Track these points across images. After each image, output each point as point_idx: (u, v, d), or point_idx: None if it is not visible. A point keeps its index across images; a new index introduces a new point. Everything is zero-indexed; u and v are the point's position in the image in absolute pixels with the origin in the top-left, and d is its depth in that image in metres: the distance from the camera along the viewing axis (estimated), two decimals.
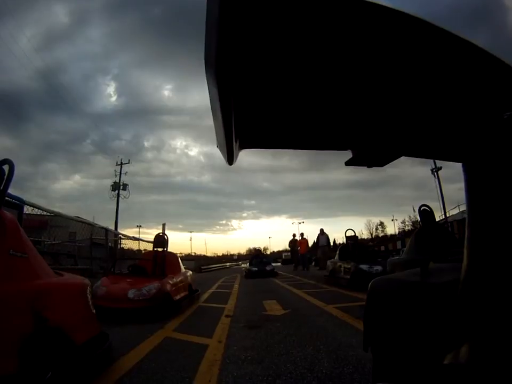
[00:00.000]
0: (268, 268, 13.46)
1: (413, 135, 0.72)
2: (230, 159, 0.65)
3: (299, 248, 15.53)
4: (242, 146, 0.68)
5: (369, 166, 0.81)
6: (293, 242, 16.06)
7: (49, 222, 8.20)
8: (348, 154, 0.77)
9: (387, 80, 0.54)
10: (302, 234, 16.09)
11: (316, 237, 14.61)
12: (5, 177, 2.11)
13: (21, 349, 1.68)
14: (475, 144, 0.71)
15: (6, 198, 2.26)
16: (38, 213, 5.90)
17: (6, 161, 2.17)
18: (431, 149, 0.81)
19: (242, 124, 0.58)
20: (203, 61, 0.43)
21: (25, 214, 5.04)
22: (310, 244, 17.39)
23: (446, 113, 0.63)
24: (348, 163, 0.79)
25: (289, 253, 16.25)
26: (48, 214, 6.70)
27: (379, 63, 0.50)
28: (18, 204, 4.14)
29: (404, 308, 1.15)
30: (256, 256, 15.39)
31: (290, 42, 0.46)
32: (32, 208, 5.46)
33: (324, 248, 13.96)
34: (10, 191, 2.32)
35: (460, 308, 0.79)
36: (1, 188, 2.10)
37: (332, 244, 14.65)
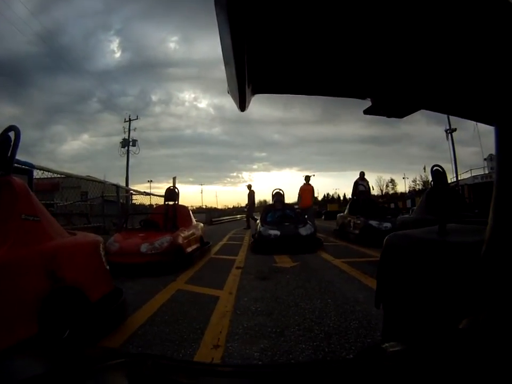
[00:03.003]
0: (303, 232, 6.84)
1: (438, 88, 0.67)
2: (242, 105, 0.64)
3: (301, 198, 9.60)
4: (255, 91, 0.67)
5: (389, 116, 0.79)
6: (252, 194, 11.68)
7: (60, 183, 8.33)
8: (364, 104, 0.76)
9: (411, 23, 0.48)
10: (307, 179, 9.86)
11: (353, 184, 9.59)
12: (12, 143, 2.09)
13: (40, 310, 1.75)
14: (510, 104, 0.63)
15: (15, 165, 2.23)
16: (49, 176, 5.91)
17: (11, 127, 2.15)
18: (457, 105, 0.77)
19: (256, 68, 0.56)
20: (212, 2, 0.40)
21: (36, 178, 5.09)
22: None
23: (476, 66, 0.56)
24: (366, 111, 0.78)
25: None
26: (59, 176, 6.75)
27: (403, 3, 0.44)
28: (28, 168, 4.15)
29: (422, 266, 1.09)
30: (275, 205, 8.53)
31: None
32: (42, 171, 5.46)
33: None
34: (18, 157, 2.30)
35: (482, 271, 0.74)
36: (9, 154, 2.08)
37: (341, 199, 12.06)
